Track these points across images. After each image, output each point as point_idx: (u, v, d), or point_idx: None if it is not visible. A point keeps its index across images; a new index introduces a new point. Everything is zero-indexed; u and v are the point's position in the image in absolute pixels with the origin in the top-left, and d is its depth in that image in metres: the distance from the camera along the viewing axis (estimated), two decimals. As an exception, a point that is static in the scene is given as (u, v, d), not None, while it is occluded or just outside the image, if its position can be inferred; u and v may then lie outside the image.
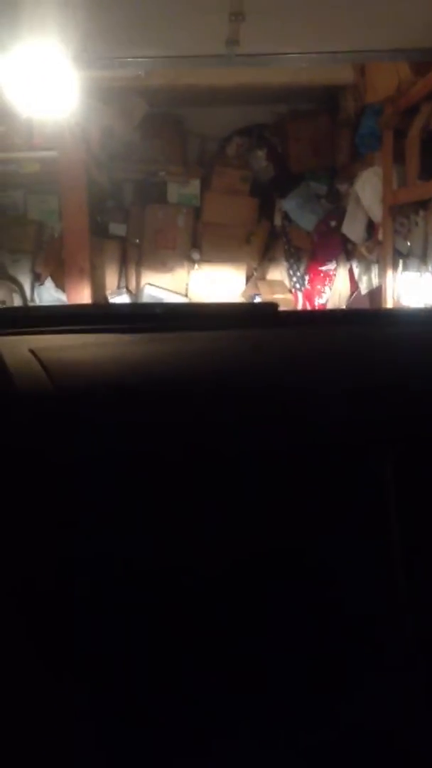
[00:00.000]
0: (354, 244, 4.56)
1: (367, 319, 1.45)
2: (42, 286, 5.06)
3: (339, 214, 4.74)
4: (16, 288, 4.88)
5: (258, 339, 1.14)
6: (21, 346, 1.00)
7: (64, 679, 0.82)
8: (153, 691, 0.85)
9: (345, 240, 4.66)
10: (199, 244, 4.99)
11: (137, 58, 2.95)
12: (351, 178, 4.57)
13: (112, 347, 1.08)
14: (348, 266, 4.75)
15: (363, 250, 4.20)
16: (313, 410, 0.98)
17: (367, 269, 4.40)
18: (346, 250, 4.73)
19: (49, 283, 5.05)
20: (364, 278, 4.47)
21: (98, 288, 4.86)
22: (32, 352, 0.98)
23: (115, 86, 4.04)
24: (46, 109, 3.67)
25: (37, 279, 5.17)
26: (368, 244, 4.20)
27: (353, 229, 4.43)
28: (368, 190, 4.03)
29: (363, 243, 4.35)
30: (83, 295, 4.19)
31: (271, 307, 1.24)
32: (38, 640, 0.81)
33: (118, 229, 5.12)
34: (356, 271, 4.65)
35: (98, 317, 1.27)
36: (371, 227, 4.31)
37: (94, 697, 0.82)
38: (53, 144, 4.07)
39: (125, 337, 1.11)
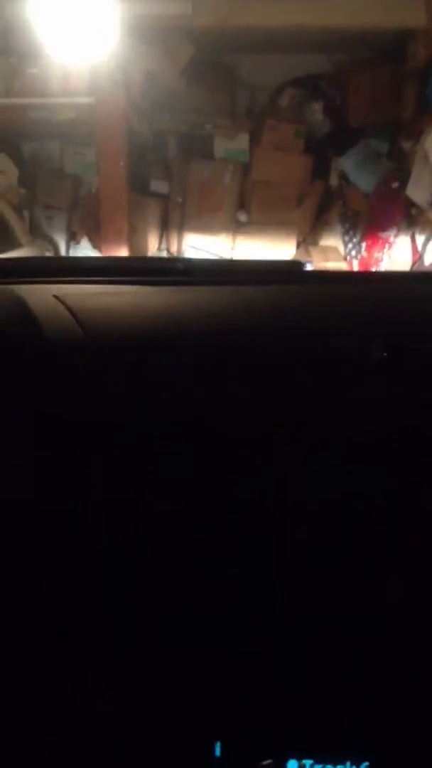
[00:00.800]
0: (419, 209, 4.20)
1: (396, 278, 1.46)
2: (78, 246, 4.74)
3: (402, 174, 4.36)
4: (50, 247, 4.56)
5: (282, 294, 1.14)
6: (45, 293, 1.00)
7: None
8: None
9: (409, 204, 4.29)
10: (247, 204, 4.69)
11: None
12: (417, 135, 4.20)
13: (134, 297, 1.09)
14: (410, 233, 4.38)
15: (431, 215, 3.78)
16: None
17: (432, 237, 3.99)
18: (409, 215, 4.36)
19: (85, 243, 4.73)
20: (429, 247, 4.06)
21: (137, 250, 4.54)
22: (57, 298, 0.98)
23: (159, 26, 3.67)
24: (82, 48, 3.30)
25: (73, 238, 4.87)
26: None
27: (419, 191, 4.08)
28: (439, 148, 3.61)
29: (430, 207, 3.92)
30: (120, 258, 3.84)
31: (298, 265, 1.36)
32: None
33: (159, 186, 4.79)
34: (420, 239, 4.28)
35: (119, 269, 1.30)
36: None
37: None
38: (90, 89, 3.72)
39: (147, 289, 1.11)
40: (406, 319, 1.08)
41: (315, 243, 4.78)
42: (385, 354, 0.99)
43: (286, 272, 1.31)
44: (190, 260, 3.45)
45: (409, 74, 4.29)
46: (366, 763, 0.84)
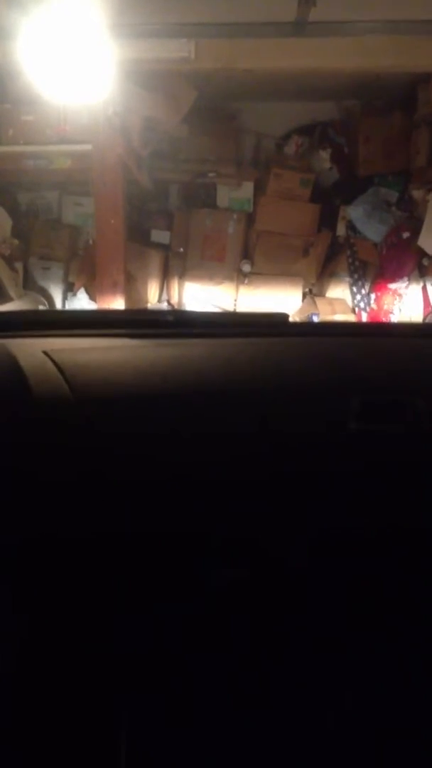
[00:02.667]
0: (431, 259, 4.06)
1: (378, 331, 1.55)
2: (74, 298, 4.56)
3: (413, 224, 4.22)
4: (44, 301, 4.36)
5: (266, 348, 1.20)
6: (35, 348, 1.06)
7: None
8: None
9: (420, 254, 4.12)
10: (251, 254, 4.55)
11: (186, 25, 2.37)
12: (429, 183, 4.08)
13: (122, 351, 1.15)
14: (422, 284, 4.21)
15: (447, 266, 3.57)
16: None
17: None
18: (420, 266, 4.19)
19: (82, 295, 4.54)
20: (443, 299, 3.85)
21: (136, 300, 4.35)
22: (46, 354, 1.04)
23: (159, 70, 3.49)
24: (78, 93, 3.13)
25: (70, 290, 4.68)
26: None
27: (431, 241, 3.82)
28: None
29: (444, 258, 3.73)
30: (116, 311, 3.63)
31: (282, 317, 1.31)
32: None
33: (160, 236, 4.66)
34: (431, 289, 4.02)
35: (111, 323, 1.33)
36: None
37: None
38: (87, 136, 3.54)
39: (135, 343, 1.18)
40: (385, 374, 1.13)
41: (322, 294, 4.59)
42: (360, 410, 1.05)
43: (271, 325, 1.34)
44: (180, 312, 3.61)
45: (420, 121, 4.14)
46: None
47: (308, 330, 1.51)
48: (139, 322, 1.37)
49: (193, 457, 1.01)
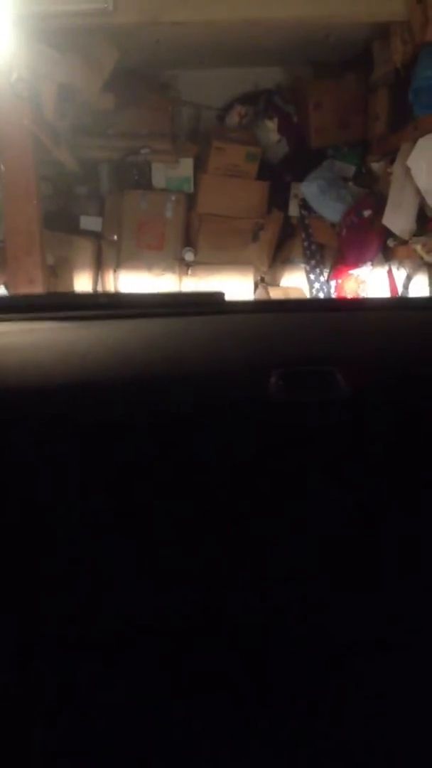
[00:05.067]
0: (397, 239, 3.56)
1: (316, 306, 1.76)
2: (-5, 295, 4.05)
3: (375, 200, 3.82)
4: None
5: (195, 326, 1.25)
6: None
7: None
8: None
9: (384, 234, 3.67)
10: (194, 241, 4.18)
11: None
12: (391, 153, 3.63)
13: (45, 333, 1.19)
14: (387, 268, 3.77)
15: (419, 248, 3.12)
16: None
17: (417, 272, 3.35)
18: (385, 248, 3.75)
19: (2, 291, 4.02)
20: (412, 284, 3.42)
21: (63, 299, 3.83)
22: None
23: (73, 26, 2.96)
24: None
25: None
26: (426, 240, 3.14)
27: (398, 219, 3.43)
28: (425, 165, 3.02)
29: (412, 238, 3.30)
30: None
31: (219, 296, 1.32)
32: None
33: (91, 222, 4.23)
34: (398, 274, 3.67)
35: (41, 306, 1.33)
36: (424, 217, 3.33)
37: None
38: (-11, 107, 2.99)
39: (66, 325, 1.20)
40: (306, 347, 1.21)
41: (276, 283, 4.22)
42: (281, 383, 1.12)
43: (206, 304, 1.37)
44: (114, 294, 3.52)
45: (378, 83, 3.73)
46: None
47: (242, 308, 1.51)
48: (70, 305, 1.36)
49: (106, 442, 1.08)
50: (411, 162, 3.12)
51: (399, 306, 1.70)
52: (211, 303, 1.34)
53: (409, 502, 1.19)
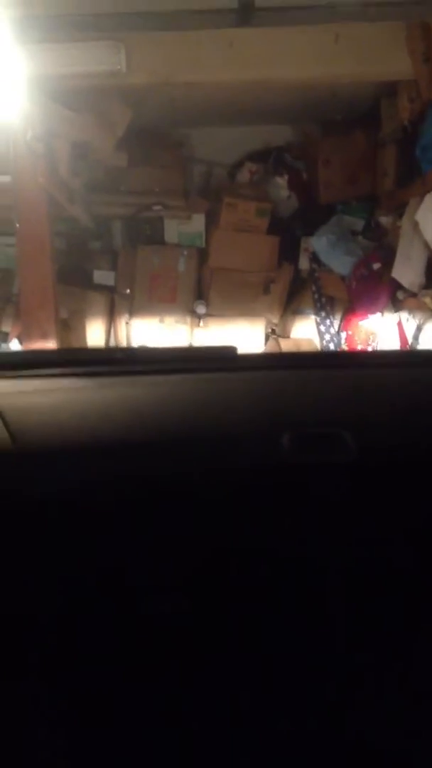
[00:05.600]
0: (406, 292, 3.58)
1: (329, 361, 1.70)
2: (7, 347, 4.09)
3: (384, 253, 3.83)
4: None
5: (206, 384, 1.28)
6: None
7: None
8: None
9: (393, 286, 3.68)
10: (205, 294, 4.20)
11: (113, 15, 1.92)
12: (399, 208, 3.67)
13: (69, 393, 1.20)
14: (397, 319, 3.73)
15: (428, 300, 3.13)
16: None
17: (426, 322, 3.36)
18: (394, 300, 3.74)
19: (15, 344, 4.06)
20: (422, 334, 3.41)
21: (76, 351, 3.86)
22: None
23: (87, 86, 3.04)
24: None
25: (4, 340, 4.19)
26: (434, 292, 3.15)
27: (407, 272, 3.45)
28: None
29: (421, 290, 3.30)
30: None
31: (231, 351, 1.32)
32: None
33: (104, 277, 4.27)
34: (408, 326, 3.63)
35: (57, 362, 1.37)
36: (434, 269, 3.34)
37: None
38: (5, 166, 3.06)
39: (83, 382, 1.23)
40: (316, 407, 1.23)
41: (286, 334, 4.20)
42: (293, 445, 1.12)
43: (219, 359, 1.37)
44: (128, 349, 3.51)
45: (386, 139, 3.75)
46: None
47: (255, 364, 1.54)
48: (87, 362, 1.39)
49: (129, 497, 1.11)
50: (419, 216, 3.15)
51: (407, 362, 1.68)
52: (224, 358, 1.35)
53: (413, 558, 1.21)
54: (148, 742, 1.18)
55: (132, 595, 1.14)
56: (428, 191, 3.14)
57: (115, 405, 1.16)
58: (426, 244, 3.21)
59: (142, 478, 1.10)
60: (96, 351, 3.40)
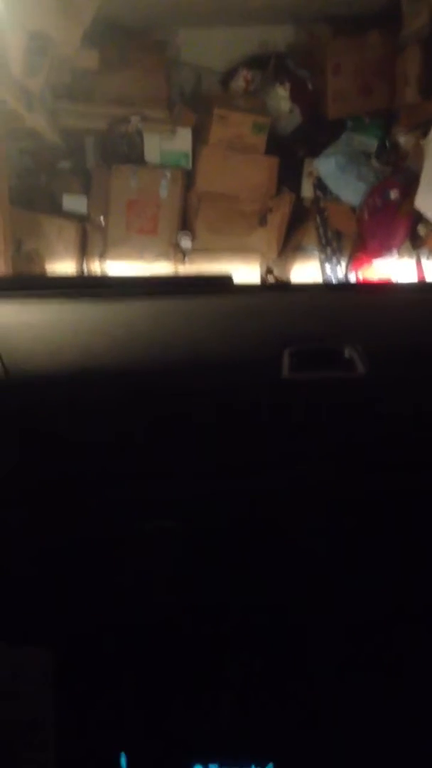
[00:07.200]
0: (429, 225, 3.34)
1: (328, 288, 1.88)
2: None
3: (402, 179, 3.56)
4: None
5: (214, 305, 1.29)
6: None
7: None
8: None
9: (414, 219, 3.45)
10: (191, 224, 3.99)
11: None
12: (423, 125, 3.43)
13: (63, 316, 1.22)
14: (415, 257, 3.52)
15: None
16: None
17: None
18: (413, 235, 3.51)
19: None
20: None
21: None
22: None
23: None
24: None
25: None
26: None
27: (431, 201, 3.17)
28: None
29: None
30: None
31: (226, 278, 1.34)
32: None
33: (75, 202, 4.02)
34: (429, 264, 3.44)
35: (51, 286, 1.40)
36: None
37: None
38: None
39: (79, 305, 1.23)
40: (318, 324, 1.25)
41: (285, 274, 3.98)
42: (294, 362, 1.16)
43: (214, 285, 1.37)
44: (119, 277, 3.32)
45: (408, 40, 3.42)
46: (271, 765, 1.04)
47: (250, 289, 1.56)
48: (77, 286, 1.43)
49: (129, 420, 1.13)
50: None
51: (416, 289, 1.75)
52: (220, 284, 1.37)
53: (419, 482, 1.23)
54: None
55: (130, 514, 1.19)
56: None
57: (106, 325, 1.18)
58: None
59: (141, 403, 1.13)
60: (87, 278, 3.39)
